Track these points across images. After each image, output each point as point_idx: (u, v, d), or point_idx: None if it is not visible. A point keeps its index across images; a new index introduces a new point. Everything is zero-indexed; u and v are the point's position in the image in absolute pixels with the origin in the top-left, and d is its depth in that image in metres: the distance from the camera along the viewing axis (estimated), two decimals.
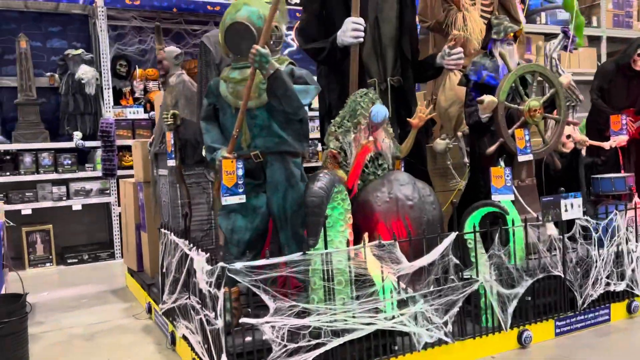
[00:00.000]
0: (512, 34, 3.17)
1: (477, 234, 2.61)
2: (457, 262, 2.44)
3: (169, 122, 3.00)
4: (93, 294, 4.07)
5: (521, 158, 2.92)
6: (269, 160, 2.35)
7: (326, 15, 3.45)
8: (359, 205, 2.64)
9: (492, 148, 2.92)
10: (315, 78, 2.40)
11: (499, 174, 2.79)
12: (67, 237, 5.47)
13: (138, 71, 5.82)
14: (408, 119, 3.05)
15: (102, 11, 5.18)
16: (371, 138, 2.66)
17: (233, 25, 2.27)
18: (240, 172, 2.15)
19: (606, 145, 3.49)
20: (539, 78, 3.08)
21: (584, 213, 2.95)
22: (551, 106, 3.21)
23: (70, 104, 5.37)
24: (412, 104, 3.64)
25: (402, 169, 3.07)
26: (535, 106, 2.97)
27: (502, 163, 2.81)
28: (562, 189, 2.73)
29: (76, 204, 5.11)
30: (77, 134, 5.25)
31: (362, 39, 3.06)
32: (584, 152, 3.51)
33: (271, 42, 2.32)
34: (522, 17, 4.40)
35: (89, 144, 5.28)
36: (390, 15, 3.54)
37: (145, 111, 5.57)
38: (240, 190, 2.15)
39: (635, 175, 3.75)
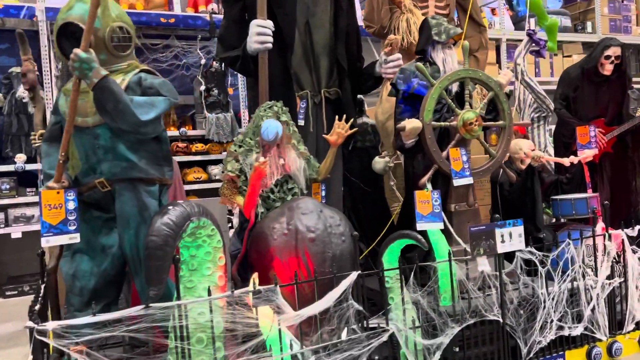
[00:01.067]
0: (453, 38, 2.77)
1: (398, 271, 2.19)
2: (360, 308, 2.01)
3: (36, 145, 2.63)
4: (10, 334, 3.70)
5: (458, 182, 2.49)
6: (117, 189, 1.96)
7: (248, 20, 3.08)
8: (253, 239, 2.24)
9: (425, 178, 2.49)
10: (172, 88, 2.01)
11: (425, 199, 2.37)
12: (7, 267, 5.14)
13: None
14: (324, 135, 2.65)
15: (43, 25, 4.87)
16: (262, 158, 2.25)
17: (64, 26, 1.91)
18: (72, 205, 1.76)
19: (565, 161, 3.03)
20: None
21: (539, 241, 2.51)
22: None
23: (14, 125, 5.06)
24: (352, 118, 3.25)
25: (323, 192, 2.65)
26: (470, 118, 2.53)
27: (428, 186, 2.39)
28: (497, 215, 2.29)
29: (15, 232, 4.77)
30: (20, 157, 4.93)
31: (269, 45, 2.68)
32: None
33: (112, 45, 1.94)
34: (483, 19, 3.99)
35: (32, 166, 4.95)
36: (324, 20, 3.17)
37: None
38: (72, 227, 1.76)
39: (609, 194, 3.30)
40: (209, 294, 1.75)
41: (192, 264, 1.85)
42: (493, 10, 7.06)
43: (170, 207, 1.77)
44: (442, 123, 2.55)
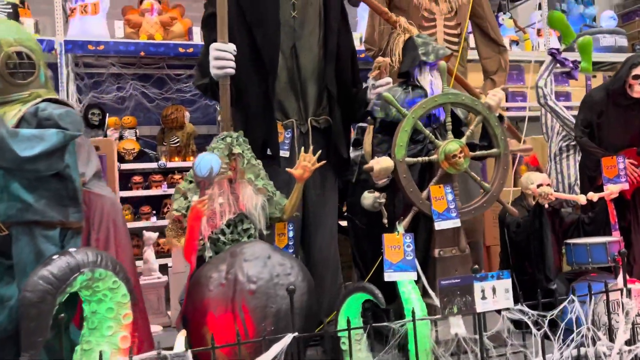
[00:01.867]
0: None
1: (353, 332, 1.85)
2: None
3: None
4: None
5: (441, 225, 2.12)
6: (14, 233, 1.75)
7: None
8: (190, 289, 1.98)
9: (405, 222, 2.15)
10: (77, 119, 1.80)
11: (396, 244, 2.02)
12: None
13: (110, 119, 5.51)
14: (287, 169, 2.36)
15: (62, 58, 4.91)
16: (195, 197, 1.99)
17: None
18: None
19: (581, 199, 2.58)
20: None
21: (548, 294, 2.10)
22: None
23: None
24: (343, 149, 2.96)
25: (290, 233, 2.36)
26: (453, 150, 2.17)
27: (399, 228, 2.05)
28: (477, 266, 1.91)
29: None
30: None
31: (229, 70, 2.44)
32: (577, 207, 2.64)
33: (7, 72, 1.76)
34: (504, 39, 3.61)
35: None
36: (312, 43, 2.93)
37: None
38: None
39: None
40: (101, 357, 1.49)
41: (92, 321, 1.60)
42: (538, 31, 6.59)
43: (54, 257, 1.54)
44: (419, 158, 2.20)
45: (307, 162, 2.29)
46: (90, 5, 5.04)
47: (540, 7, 6.64)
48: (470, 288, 1.85)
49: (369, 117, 2.56)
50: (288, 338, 1.69)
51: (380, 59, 2.71)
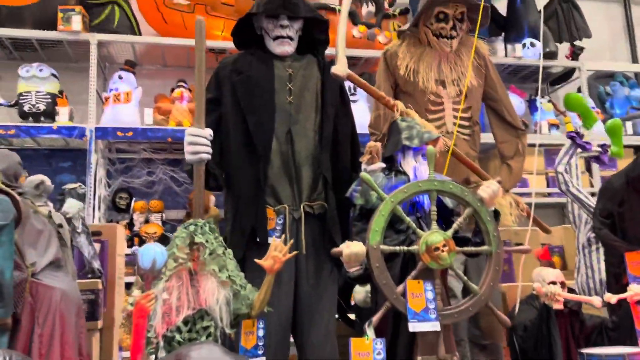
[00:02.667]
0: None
1: None
2: None
3: None
4: None
5: (416, 327, 1.86)
6: None
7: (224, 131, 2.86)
8: None
9: (375, 319, 1.91)
10: (7, 208, 1.71)
11: (364, 350, 1.78)
12: None
13: (136, 203, 5.57)
14: (256, 260, 2.19)
15: (92, 144, 5.07)
16: (138, 292, 1.84)
17: None
18: None
19: (595, 301, 2.24)
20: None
21: None
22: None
23: None
24: (337, 236, 2.78)
25: (260, 332, 2.14)
26: (435, 242, 1.95)
27: (368, 332, 1.81)
28: None
29: None
30: None
31: (204, 155, 2.36)
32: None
33: None
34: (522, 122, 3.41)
35: None
36: (307, 128, 2.86)
37: (130, 246, 5.18)
38: None
39: None
40: None
41: None
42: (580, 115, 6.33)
43: None
44: (396, 247, 1.98)
45: (277, 252, 2.12)
46: (123, 94, 5.28)
47: (580, 90, 6.43)
48: None
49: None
50: None
51: (371, 143, 2.59)
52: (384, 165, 2.52)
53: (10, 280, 1.75)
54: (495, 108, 3.37)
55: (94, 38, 5.17)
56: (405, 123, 2.36)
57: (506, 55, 6.14)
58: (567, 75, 6.78)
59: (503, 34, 6.61)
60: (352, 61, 6.13)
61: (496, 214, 2.12)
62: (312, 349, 2.65)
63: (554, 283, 2.36)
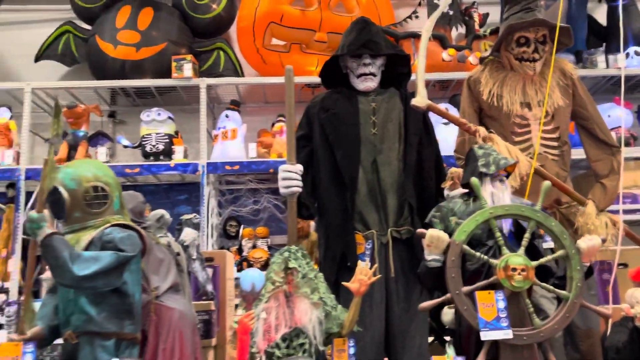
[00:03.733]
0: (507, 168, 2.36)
1: None
2: None
3: None
4: None
5: (487, 335, 1.96)
6: (80, 342, 2.00)
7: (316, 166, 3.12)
8: None
9: (428, 304, 2.04)
10: (136, 241, 2.04)
11: None
12: None
13: (245, 230, 6.01)
14: (344, 283, 2.38)
15: (204, 178, 5.58)
16: (240, 311, 2.10)
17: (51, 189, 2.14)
18: (29, 358, 1.84)
19: None
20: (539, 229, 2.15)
21: None
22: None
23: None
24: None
25: (351, 350, 2.33)
26: (515, 263, 2.03)
27: (449, 350, 1.93)
28: None
29: None
30: None
31: (295, 189, 2.62)
32: None
33: (84, 203, 2.10)
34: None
35: None
36: (391, 157, 3.04)
37: (239, 270, 5.59)
38: None
39: None
40: None
41: None
42: None
43: None
44: (478, 253, 2.09)
45: (362, 276, 2.31)
46: (230, 131, 5.78)
47: None
48: None
49: None
50: None
51: (453, 169, 2.71)
52: (464, 191, 2.62)
53: (139, 302, 2.11)
54: (587, 126, 3.33)
55: (204, 82, 5.73)
56: (482, 150, 2.46)
57: (607, 66, 5.88)
58: None
59: (604, 44, 6.35)
60: (444, 84, 6.22)
61: (589, 272, 2.15)
62: None
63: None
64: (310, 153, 3.09)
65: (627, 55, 5.88)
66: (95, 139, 5.65)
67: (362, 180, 2.97)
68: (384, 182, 2.96)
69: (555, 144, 3.20)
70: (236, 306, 3.83)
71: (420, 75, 2.90)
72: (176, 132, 5.89)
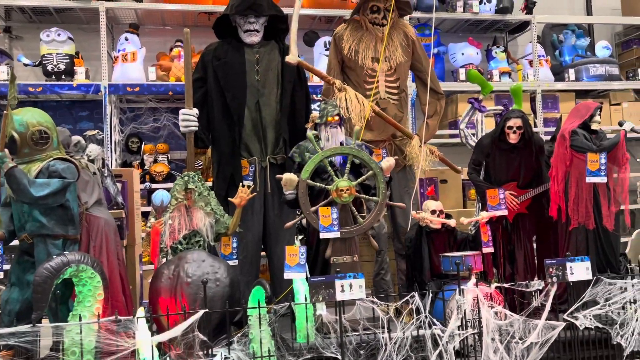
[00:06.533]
0: (335, 118, 3.29)
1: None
2: (204, 338, 2.59)
3: None
4: None
5: (324, 235, 2.99)
6: (35, 242, 2.79)
7: (209, 104, 3.88)
8: (151, 281, 2.93)
9: (290, 223, 3.04)
10: (74, 171, 2.82)
11: (294, 252, 2.90)
12: None
13: (146, 146, 6.62)
14: (229, 198, 3.29)
15: (106, 98, 6.05)
16: (153, 219, 2.96)
17: None
18: None
19: (450, 222, 3.34)
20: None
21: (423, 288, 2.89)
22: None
23: None
24: None
25: (234, 244, 3.28)
26: (342, 186, 3.04)
27: (297, 242, 2.93)
28: (338, 269, 2.76)
29: None
30: None
31: (193, 128, 3.40)
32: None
33: (32, 142, 2.82)
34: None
35: None
36: (271, 100, 3.87)
37: (142, 182, 6.28)
38: None
39: (529, 251, 3.53)
40: (80, 319, 2.48)
41: (79, 297, 2.59)
42: (530, 62, 7.20)
43: (54, 257, 2.55)
44: (317, 183, 3.08)
45: (243, 194, 3.22)
46: (130, 54, 6.20)
47: (539, 39, 7.25)
48: (333, 284, 2.71)
49: None
50: (200, 312, 2.61)
51: (314, 113, 3.61)
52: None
53: (77, 213, 2.87)
54: (421, 77, 4.32)
55: (103, 6, 6.02)
56: (323, 105, 3.39)
57: (464, 10, 6.90)
58: (524, 25, 7.50)
59: None
60: (329, 18, 6.96)
61: (390, 180, 3.18)
62: (277, 257, 3.80)
63: (434, 211, 3.45)
64: (205, 93, 3.84)
65: (481, 1, 6.91)
66: None
67: (248, 117, 3.80)
68: (265, 119, 3.82)
69: (395, 91, 4.17)
70: (143, 213, 4.61)
71: (293, 36, 3.68)
72: (77, 53, 6.21)
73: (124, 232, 4.14)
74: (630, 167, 3.32)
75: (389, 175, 3.21)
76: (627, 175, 3.33)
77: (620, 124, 3.40)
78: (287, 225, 3.12)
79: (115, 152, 6.35)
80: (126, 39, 6.23)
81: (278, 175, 3.14)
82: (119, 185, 4.60)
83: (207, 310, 2.61)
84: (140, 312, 2.64)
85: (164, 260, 3.05)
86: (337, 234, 3.00)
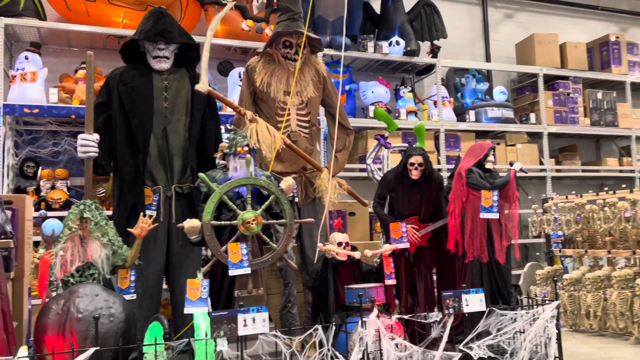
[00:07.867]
0: (244, 148, 3.29)
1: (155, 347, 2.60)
2: None
3: None
4: None
5: (233, 272, 2.93)
6: None
7: (112, 129, 3.72)
8: (37, 317, 2.72)
9: (205, 268, 2.96)
10: None
11: (195, 286, 2.81)
12: None
13: (43, 171, 6.22)
14: (128, 229, 3.16)
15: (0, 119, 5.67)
16: (42, 250, 2.78)
17: None
18: None
19: (355, 255, 3.42)
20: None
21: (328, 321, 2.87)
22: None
23: None
24: (199, 209, 3.76)
25: (132, 277, 3.12)
26: (248, 217, 3.01)
27: (199, 275, 2.84)
28: (241, 302, 2.70)
29: None
30: None
31: (92, 154, 3.26)
32: None
33: None
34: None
35: None
36: (179, 127, 3.77)
37: (37, 209, 5.88)
38: None
39: (429, 283, 3.64)
40: None
41: None
42: (435, 103, 7.59)
43: None
44: (222, 222, 3.02)
45: (144, 224, 3.09)
46: (30, 73, 5.87)
47: (443, 82, 7.69)
48: (235, 318, 2.64)
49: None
50: (91, 350, 2.44)
51: (222, 143, 3.57)
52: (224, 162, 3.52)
53: None
54: (331, 112, 4.43)
55: (1, 22, 5.69)
56: (232, 136, 3.37)
57: (375, 51, 7.21)
58: (430, 68, 7.94)
59: (377, 30, 7.69)
60: (244, 51, 6.99)
61: (292, 198, 3.19)
62: (179, 291, 3.66)
63: (340, 244, 3.50)
64: (109, 118, 3.69)
65: (390, 43, 7.26)
66: None
67: (154, 144, 3.68)
68: (172, 147, 3.71)
69: (307, 124, 4.23)
70: (36, 243, 4.30)
71: (204, 65, 3.66)
72: None
73: (12, 264, 3.83)
74: (520, 204, 3.54)
75: (291, 194, 3.22)
76: (517, 212, 3.57)
77: (511, 164, 3.66)
78: (203, 270, 3.01)
79: (8, 177, 5.91)
80: (26, 58, 5.90)
81: (179, 225, 3.05)
82: (9, 212, 4.28)
83: (98, 348, 2.44)
84: (22, 351, 2.43)
85: (54, 294, 2.84)
86: (248, 270, 2.95)
